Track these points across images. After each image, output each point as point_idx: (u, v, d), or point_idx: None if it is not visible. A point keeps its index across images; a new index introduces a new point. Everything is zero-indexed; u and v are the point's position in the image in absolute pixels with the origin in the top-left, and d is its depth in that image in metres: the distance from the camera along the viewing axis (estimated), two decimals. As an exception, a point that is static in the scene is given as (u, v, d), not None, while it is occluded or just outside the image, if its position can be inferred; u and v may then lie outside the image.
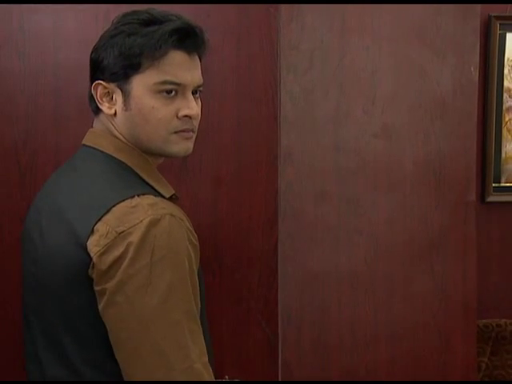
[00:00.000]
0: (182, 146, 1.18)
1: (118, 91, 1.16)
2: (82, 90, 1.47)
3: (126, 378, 1.08)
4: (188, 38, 1.15)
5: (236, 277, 1.52)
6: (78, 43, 1.49)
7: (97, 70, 1.17)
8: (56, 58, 1.49)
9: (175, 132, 1.17)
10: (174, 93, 1.15)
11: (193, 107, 1.17)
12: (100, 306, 1.07)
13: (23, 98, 1.50)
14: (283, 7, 1.63)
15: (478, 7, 2.02)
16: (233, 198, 1.52)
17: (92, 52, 1.19)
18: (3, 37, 1.49)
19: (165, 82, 1.14)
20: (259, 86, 1.50)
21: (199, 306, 1.13)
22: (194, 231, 1.14)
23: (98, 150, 1.18)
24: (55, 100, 1.50)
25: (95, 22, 1.47)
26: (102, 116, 1.20)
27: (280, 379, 1.54)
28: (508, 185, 2.61)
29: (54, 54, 1.49)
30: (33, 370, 1.20)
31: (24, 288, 1.24)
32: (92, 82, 1.19)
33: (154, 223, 1.06)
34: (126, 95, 1.15)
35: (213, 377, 1.12)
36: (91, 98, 1.20)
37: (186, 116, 1.16)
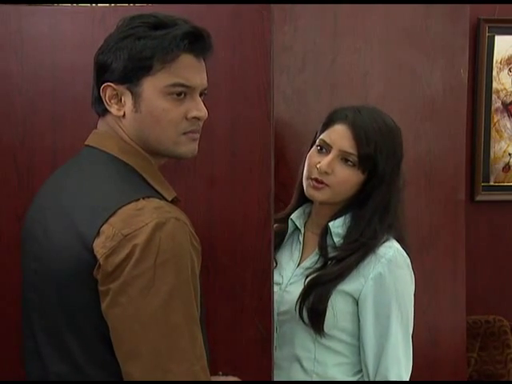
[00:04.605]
0: (190, 147, 1.20)
1: (128, 93, 1.17)
2: (79, 91, 1.49)
3: (124, 376, 1.09)
4: (197, 42, 1.17)
5: (230, 275, 1.53)
6: (74, 45, 1.49)
7: (105, 73, 1.18)
8: (53, 60, 1.50)
9: (184, 133, 1.19)
10: (183, 95, 1.17)
11: (201, 109, 1.19)
12: (103, 306, 1.08)
13: (21, 98, 1.50)
14: (276, 9, 1.65)
15: (468, 10, 2.05)
16: (227, 197, 1.53)
17: (98, 55, 1.19)
18: (1, 39, 1.50)
19: (176, 85, 1.16)
20: (252, 87, 1.51)
21: (200, 309, 1.14)
22: (196, 235, 1.15)
23: (102, 151, 1.19)
24: (53, 101, 1.50)
25: (92, 25, 1.48)
26: (108, 117, 1.21)
27: (273, 375, 1.56)
28: (497, 184, 2.64)
29: (52, 56, 1.50)
30: (33, 367, 1.20)
31: (24, 285, 1.25)
32: (98, 84, 1.19)
33: (159, 226, 1.07)
34: (136, 97, 1.16)
35: (210, 379, 1.13)
36: (96, 99, 1.21)
37: (194, 117, 1.18)
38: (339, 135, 1.54)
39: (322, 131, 1.58)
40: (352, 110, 1.56)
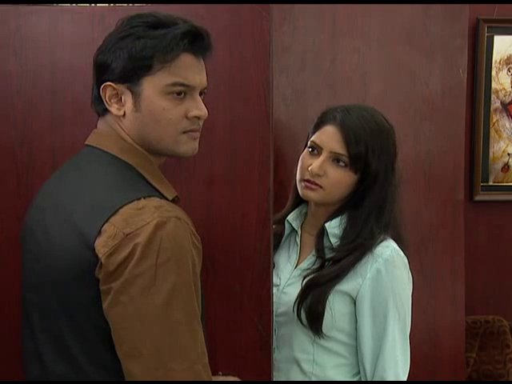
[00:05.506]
0: (190, 146, 1.21)
1: (128, 92, 1.17)
2: (78, 91, 1.49)
3: (126, 375, 1.09)
4: (197, 41, 1.18)
5: (229, 275, 1.54)
6: (74, 45, 1.49)
7: (104, 72, 1.18)
8: (52, 60, 1.50)
9: (184, 132, 1.19)
10: (183, 94, 1.18)
11: (202, 108, 1.20)
12: (104, 305, 1.08)
13: (20, 98, 1.50)
14: (275, 10, 1.65)
15: (467, 10, 2.06)
16: (226, 197, 1.53)
17: (98, 54, 1.20)
18: (0, 38, 1.50)
19: (176, 84, 1.16)
20: (252, 88, 1.52)
21: (201, 308, 1.15)
22: (197, 234, 1.16)
23: (102, 150, 1.20)
24: (52, 101, 1.50)
25: (91, 25, 1.48)
26: (108, 117, 1.21)
27: (273, 376, 1.56)
28: (496, 184, 2.64)
29: (51, 56, 1.50)
30: (33, 367, 1.21)
31: (24, 286, 1.25)
32: (98, 83, 1.20)
33: (160, 225, 1.07)
34: (136, 96, 1.17)
35: (212, 378, 1.14)
36: (96, 99, 1.21)
37: (195, 117, 1.19)
38: (329, 136, 1.54)
39: (313, 133, 1.59)
40: (341, 110, 1.56)
